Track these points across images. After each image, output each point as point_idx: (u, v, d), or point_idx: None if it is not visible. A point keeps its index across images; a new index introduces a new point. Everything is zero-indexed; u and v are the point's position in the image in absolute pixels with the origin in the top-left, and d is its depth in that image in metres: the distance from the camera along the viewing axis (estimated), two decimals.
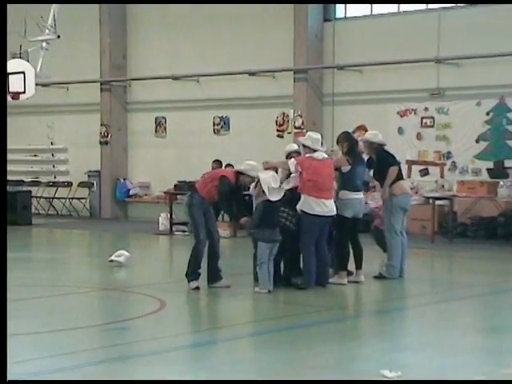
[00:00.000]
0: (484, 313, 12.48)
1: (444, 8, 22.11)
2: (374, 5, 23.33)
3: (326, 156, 13.59)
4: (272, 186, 12.88)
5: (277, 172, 13.99)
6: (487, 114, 21.61)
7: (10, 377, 8.14)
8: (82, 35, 26.59)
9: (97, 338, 10.43)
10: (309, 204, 13.15)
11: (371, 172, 14.74)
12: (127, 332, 10.76)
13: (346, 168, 13.74)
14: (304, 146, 13.57)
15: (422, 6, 22.56)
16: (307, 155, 13.38)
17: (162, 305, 12.08)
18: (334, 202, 13.45)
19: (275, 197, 12.90)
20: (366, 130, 16.23)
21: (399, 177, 14.43)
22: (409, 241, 15.08)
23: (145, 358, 9.12)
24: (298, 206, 13.29)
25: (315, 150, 13.35)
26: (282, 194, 13.19)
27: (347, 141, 13.99)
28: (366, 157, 14.65)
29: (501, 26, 21.02)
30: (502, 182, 20.28)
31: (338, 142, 14.25)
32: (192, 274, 13.27)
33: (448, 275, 14.88)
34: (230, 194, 13.32)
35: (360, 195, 14.02)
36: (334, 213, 13.40)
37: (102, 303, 13.38)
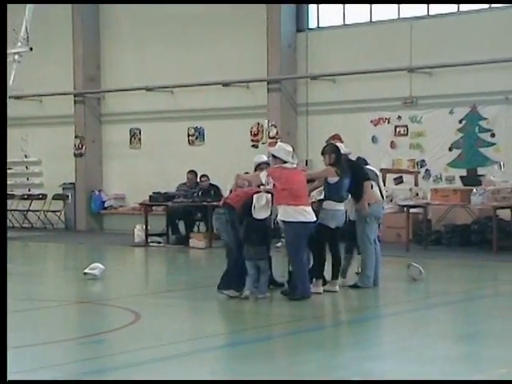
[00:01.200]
0: (459, 320, 12.51)
1: (416, 17, 22.21)
2: (346, 14, 23.40)
3: (295, 166, 13.57)
4: (259, 203, 12.96)
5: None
6: (460, 122, 21.70)
7: None
8: (54, 47, 26.55)
9: (73, 351, 10.37)
10: (290, 213, 13.09)
11: None
12: (102, 345, 10.72)
13: (334, 179, 13.70)
14: (274, 156, 13.49)
15: (394, 16, 22.66)
16: (276, 166, 13.32)
17: (137, 317, 12.02)
18: (316, 210, 13.45)
19: (260, 215, 12.98)
20: (341, 140, 16.17)
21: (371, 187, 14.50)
22: (384, 249, 15.15)
23: (120, 370, 9.09)
24: (279, 218, 13.28)
25: (285, 162, 13.27)
26: (269, 212, 13.27)
27: (334, 152, 13.89)
28: None
29: (472, 36, 21.20)
30: (475, 190, 20.29)
31: (323, 154, 14.08)
32: (238, 284, 13.42)
33: (423, 283, 14.85)
34: None
35: (343, 206, 14.03)
36: (315, 219, 13.37)
37: (77, 317, 13.32)
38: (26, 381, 7.01)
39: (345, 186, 13.98)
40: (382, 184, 15.42)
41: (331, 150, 14.02)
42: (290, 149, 13.63)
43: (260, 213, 12.95)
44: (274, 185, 13.25)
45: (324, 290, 13.75)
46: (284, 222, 13.24)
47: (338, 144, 14.70)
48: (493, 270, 17.54)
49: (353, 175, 14.26)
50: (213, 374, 8.99)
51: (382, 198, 15.08)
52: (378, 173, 15.77)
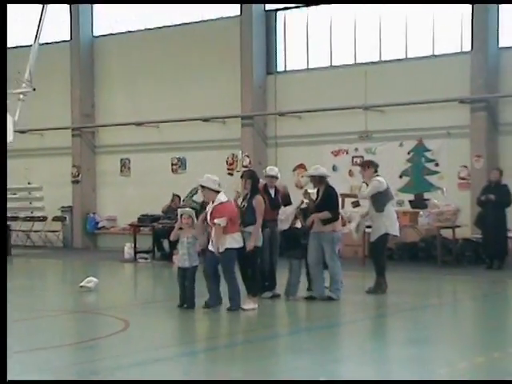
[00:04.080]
0: (409, 327, 12.46)
1: (370, 63, 22.39)
2: (309, 59, 23.52)
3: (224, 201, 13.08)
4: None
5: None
6: (408, 153, 21.89)
7: None
8: (54, 87, 26.50)
9: (68, 355, 10.36)
10: (235, 240, 12.90)
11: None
12: (95, 350, 10.68)
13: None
14: (203, 186, 13.21)
15: (351, 61, 22.79)
16: (218, 202, 12.90)
17: (127, 325, 11.97)
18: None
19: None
20: (305, 169, 16.23)
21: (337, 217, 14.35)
22: (343, 264, 15.04)
23: (111, 372, 9.06)
24: (227, 246, 12.86)
25: (214, 190, 12.97)
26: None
27: (250, 178, 13.63)
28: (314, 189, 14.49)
29: (419, 79, 21.43)
30: (421, 212, 20.42)
31: (241, 177, 13.87)
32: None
33: (376, 295, 14.84)
34: None
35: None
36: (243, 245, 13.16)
37: (73, 325, 13.26)
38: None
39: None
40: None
41: (248, 175, 13.78)
42: (217, 178, 13.17)
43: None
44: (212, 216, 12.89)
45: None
46: (229, 249, 12.85)
47: (314, 167, 14.59)
48: (437, 283, 17.58)
49: (323, 192, 14.15)
50: (187, 374, 9.01)
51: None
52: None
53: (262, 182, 14.84)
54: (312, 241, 14.14)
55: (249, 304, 13.20)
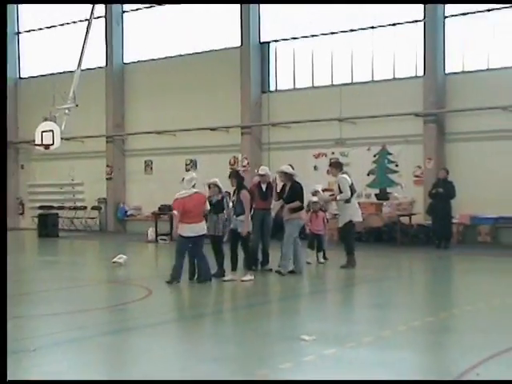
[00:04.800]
0: (373, 294, 12.51)
1: (344, 84, 22.40)
2: (295, 81, 23.56)
3: (194, 191, 12.91)
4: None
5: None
6: (374, 156, 21.95)
7: (46, 341, 8.17)
8: (93, 104, 26.43)
9: (103, 316, 10.41)
10: (184, 229, 12.75)
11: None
12: (125, 312, 10.74)
13: (248, 197, 13.34)
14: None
15: (329, 83, 22.81)
16: (176, 197, 12.92)
17: (150, 292, 12.05)
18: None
19: None
20: (292, 167, 16.17)
21: (302, 207, 14.24)
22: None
23: (136, 330, 9.12)
24: (179, 232, 12.86)
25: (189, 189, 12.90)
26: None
27: (235, 178, 13.46)
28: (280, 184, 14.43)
29: (383, 97, 21.44)
30: (385, 203, 20.57)
31: (229, 177, 13.62)
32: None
33: (348, 269, 14.85)
34: None
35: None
36: (203, 232, 12.91)
37: (107, 292, 13.35)
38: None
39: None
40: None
41: (233, 175, 13.60)
42: (190, 178, 13.10)
43: None
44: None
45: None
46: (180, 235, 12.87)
47: (287, 166, 14.47)
48: (397, 259, 17.62)
49: (290, 187, 14.00)
50: (198, 332, 9.03)
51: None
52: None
53: (256, 178, 15.02)
54: (285, 226, 14.15)
55: (246, 276, 13.23)
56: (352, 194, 14.86)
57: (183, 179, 13.21)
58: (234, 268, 13.40)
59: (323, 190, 16.34)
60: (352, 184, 15.01)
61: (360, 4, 21.87)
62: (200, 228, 12.89)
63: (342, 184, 14.74)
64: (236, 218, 13.27)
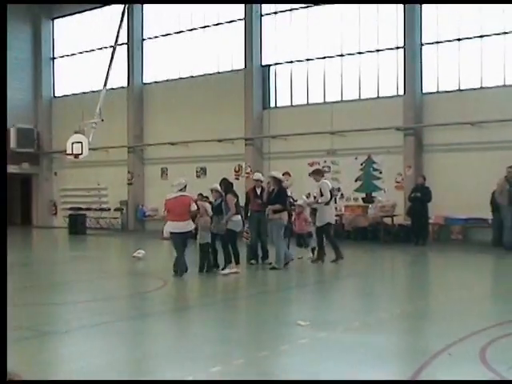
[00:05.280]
0: (360, 285, 12.38)
1: (334, 102, 22.39)
2: (292, 99, 23.56)
3: (180, 194, 12.82)
4: None
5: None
6: (361, 164, 21.90)
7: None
8: (116, 119, 26.38)
9: (125, 303, 10.41)
10: (169, 226, 12.76)
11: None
12: (143, 300, 10.74)
13: (234, 200, 13.19)
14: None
15: (321, 101, 22.79)
16: (166, 198, 12.96)
17: (165, 283, 12.04)
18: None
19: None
20: (289, 175, 16.17)
21: (286, 208, 14.03)
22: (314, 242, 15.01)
23: (155, 315, 9.12)
24: (166, 229, 12.79)
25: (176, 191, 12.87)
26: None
27: (224, 185, 13.36)
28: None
29: (369, 113, 21.43)
30: (370, 206, 20.54)
31: (220, 184, 13.39)
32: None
33: (337, 265, 14.77)
34: None
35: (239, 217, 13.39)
36: (185, 230, 12.71)
37: (128, 282, 13.29)
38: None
39: (238, 204, 13.32)
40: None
41: (222, 182, 13.46)
42: (178, 183, 12.98)
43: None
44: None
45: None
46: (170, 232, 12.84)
47: (277, 172, 14.45)
48: (380, 255, 17.55)
49: (277, 191, 13.81)
50: (209, 318, 9.06)
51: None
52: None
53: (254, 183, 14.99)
54: (268, 226, 14.05)
55: (232, 269, 12.98)
56: (331, 198, 14.70)
57: (172, 185, 13.19)
58: (230, 261, 13.17)
59: (307, 196, 16.01)
60: (332, 189, 14.89)
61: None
62: (182, 226, 12.66)
63: (323, 188, 14.56)
64: (231, 219, 13.15)
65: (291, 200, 14.92)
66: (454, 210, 19.73)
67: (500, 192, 17.28)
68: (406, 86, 20.85)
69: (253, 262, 14.42)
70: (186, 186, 12.96)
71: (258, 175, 14.99)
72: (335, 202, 17.62)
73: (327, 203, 14.57)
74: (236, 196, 13.38)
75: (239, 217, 13.35)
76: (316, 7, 22.98)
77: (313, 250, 15.08)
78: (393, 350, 7.07)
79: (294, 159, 22.85)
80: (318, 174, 15.09)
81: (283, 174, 15.39)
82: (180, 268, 12.82)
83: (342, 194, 22.17)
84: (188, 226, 12.77)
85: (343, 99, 22.40)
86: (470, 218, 19.51)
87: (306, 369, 6.13)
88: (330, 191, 14.66)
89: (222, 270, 13.13)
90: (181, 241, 12.77)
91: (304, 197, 15.87)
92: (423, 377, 5.80)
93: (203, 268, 13.26)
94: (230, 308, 10.08)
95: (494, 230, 18.03)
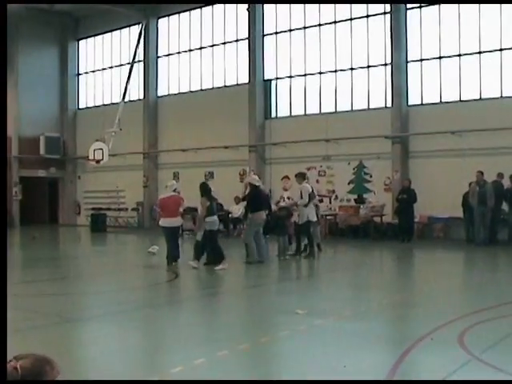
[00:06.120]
0: (349, 276, 12.37)
1: (329, 113, 22.34)
2: (292, 110, 23.53)
3: (172, 194, 13.23)
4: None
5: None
6: (353, 169, 21.81)
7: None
8: (133, 128, 26.29)
9: (140, 293, 10.36)
10: (163, 221, 13.11)
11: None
12: (157, 290, 10.73)
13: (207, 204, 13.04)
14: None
15: (317, 111, 22.78)
16: (160, 197, 13.44)
17: (177, 276, 12.06)
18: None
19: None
20: (289, 178, 15.98)
21: (263, 209, 13.76)
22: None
23: (167, 305, 9.14)
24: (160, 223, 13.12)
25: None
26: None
27: (202, 189, 13.26)
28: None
29: (360, 123, 21.36)
30: (361, 206, 20.54)
31: (200, 188, 13.23)
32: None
33: (332, 257, 14.87)
34: None
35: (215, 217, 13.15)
36: (175, 225, 13.13)
37: (143, 275, 13.24)
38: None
39: (214, 207, 13.19)
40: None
41: (201, 187, 13.34)
42: (171, 184, 13.67)
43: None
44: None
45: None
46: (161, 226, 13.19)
47: (256, 178, 14.31)
48: (370, 251, 17.52)
49: (253, 194, 13.64)
50: (217, 304, 9.02)
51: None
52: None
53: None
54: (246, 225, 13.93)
55: (219, 266, 12.68)
56: (310, 200, 14.42)
57: (166, 186, 13.71)
58: (221, 258, 12.86)
59: (288, 198, 15.80)
60: (312, 191, 14.65)
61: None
62: (173, 221, 13.11)
63: (303, 191, 14.36)
64: (205, 220, 12.98)
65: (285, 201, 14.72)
66: (436, 209, 19.71)
67: (472, 194, 17.36)
68: (393, 98, 20.84)
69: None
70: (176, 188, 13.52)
71: (250, 178, 14.67)
72: (320, 202, 17.68)
73: (306, 205, 14.36)
74: (211, 199, 13.14)
75: (214, 217, 13.11)
76: (312, 28, 22.99)
77: (305, 246, 14.78)
78: (382, 335, 7.08)
79: (293, 164, 22.71)
80: (300, 177, 14.81)
81: (283, 178, 15.35)
82: (173, 254, 13.18)
83: (336, 196, 22.11)
84: (178, 221, 13.29)
85: (337, 110, 22.36)
86: (450, 217, 19.49)
87: (304, 352, 6.14)
88: (310, 194, 14.45)
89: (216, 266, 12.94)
90: (171, 234, 13.19)
91: (285, 196, 15.76)
92: (409, 358, 5.82)
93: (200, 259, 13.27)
94: (233, 298, 10.05)
95: (465, 228, 18.10)
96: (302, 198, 14.37)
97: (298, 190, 14.56)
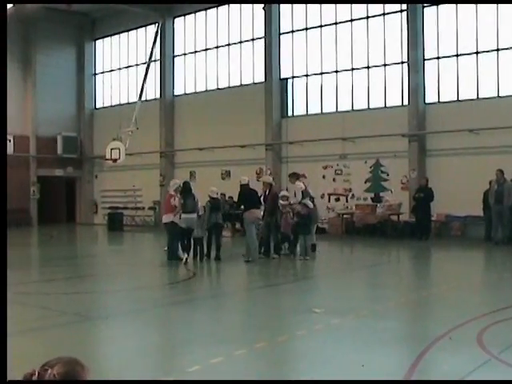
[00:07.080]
0: (370, 275, 12.33)
1: (345, 111, 22.27)
2: (308, 108, 23.47)
3: (172, 193, 13.82)
4: None
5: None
6: (370, 167, 21.71)
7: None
8: (149, 127, 26.51)
9: (157, 292, 10.41)
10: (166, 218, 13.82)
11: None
12: (176, 288, 10.78)
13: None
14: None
15: (334, 110, 22.74)
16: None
17: (194, 274, 12.10)
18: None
19: None
20: (304, 176, 15.94)
21: (255, 206, 13.80)
22: (328, 237, 14.90)
23: (184, 303, 9.11)
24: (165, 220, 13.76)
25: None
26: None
27: (183, 186, 13.84)
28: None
29: (377, 121, 21.23)
30: (378, 205, 20.47)
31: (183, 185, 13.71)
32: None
33: (347, 256, 14.81)
34: None
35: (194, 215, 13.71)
36: (164, 221, 13.82)
37: (159, 273, 13.22)
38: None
39: (191, 203, 13.66)
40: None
41: (182, 186, 13.86)
42: (173, 183, 14.16)
43: None
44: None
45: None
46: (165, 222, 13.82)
47: (245, 178, 14.51)
48: (387, 249, 17.46)
49: (244, 193, 13.90)
50: (230, 301, 9.02)
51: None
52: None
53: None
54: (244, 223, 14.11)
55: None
56: (306, 197, 14.40)
57: (169, 185, 14.35)
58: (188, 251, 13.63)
59: (285, 196, 15.72)
60: (306, 189, 14.61)
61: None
62: (164, 218, 13.97)
63: (296, 190, 14.51)
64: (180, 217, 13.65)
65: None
66: (453, 208, 19.58)
67: (490, 192, 17.29)
68: (410, 96, 20.72)
69: (262, 256, 14.16)
70: (179, 186, 13.90)
71: (268, 178, 14.97)
72: (336, 201, 17.61)
73: (299, 202, 14.36)
74: (186, 197, 13.66)
75: (189, 215, 13.59)
76: (328, 27, 22.93)
77: (313, 246, 14.61)
78: (399, 334, 7.05)
79: (309, 163, 22.78)
80: (293, 177, 15.08)
81: (299, 176, 15.32)
82: (171, 250, 13.70)
83: (352, 194, 22.03)
84: (167, 218, 13.80)
85: (354, 109, 22.28)
86: (468, 216, 19.36)
87: (322, 351, 6.13)
88: (303, 192, 14.44)
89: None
90: (166, 230, 13.85)
91: (287, 194, 15.65)
92: (428, 357, 5.79)
93: (195, 256, 13.84)
94: (249, 297, 10.06)
95: (485, 226, 17.99)
96: (295, 196, 14.51)
97: (292, 189, 14.79)
